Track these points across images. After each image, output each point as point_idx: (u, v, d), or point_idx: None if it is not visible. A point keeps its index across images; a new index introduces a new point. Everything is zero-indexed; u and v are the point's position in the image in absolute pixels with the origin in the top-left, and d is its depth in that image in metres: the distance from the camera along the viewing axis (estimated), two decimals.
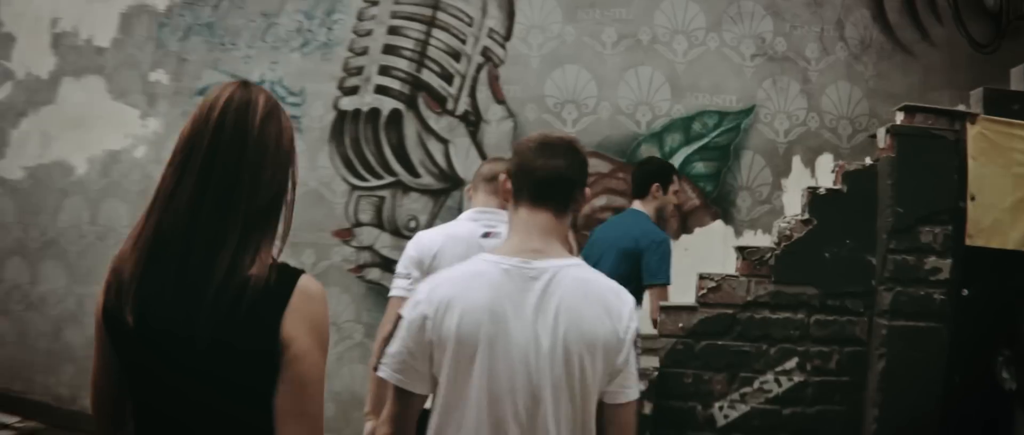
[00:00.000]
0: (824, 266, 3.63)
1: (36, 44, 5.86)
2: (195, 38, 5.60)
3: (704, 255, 5.13)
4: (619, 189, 5.32)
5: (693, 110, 5.30)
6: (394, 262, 5.47)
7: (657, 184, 4.01)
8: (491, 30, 5.44)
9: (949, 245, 3.57)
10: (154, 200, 1.44)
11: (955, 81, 5.02)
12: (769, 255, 3.63)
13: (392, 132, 5.45)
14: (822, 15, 5.26)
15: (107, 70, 5.70)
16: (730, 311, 3.63)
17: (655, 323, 3.72)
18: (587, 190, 1.96)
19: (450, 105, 5.46)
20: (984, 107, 3.70)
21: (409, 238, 5.51)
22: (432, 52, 5.47)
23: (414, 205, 5.44)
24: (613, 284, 1.89)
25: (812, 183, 5.15)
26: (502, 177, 2.06)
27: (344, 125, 5.44)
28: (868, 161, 3.82)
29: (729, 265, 4.42)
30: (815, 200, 3.65)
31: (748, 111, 5.26)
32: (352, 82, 5.49)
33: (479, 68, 5.45)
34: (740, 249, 3.67)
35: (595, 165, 5.32)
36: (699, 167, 5.29)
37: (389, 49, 5.48)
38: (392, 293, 2.99)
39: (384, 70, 5.48)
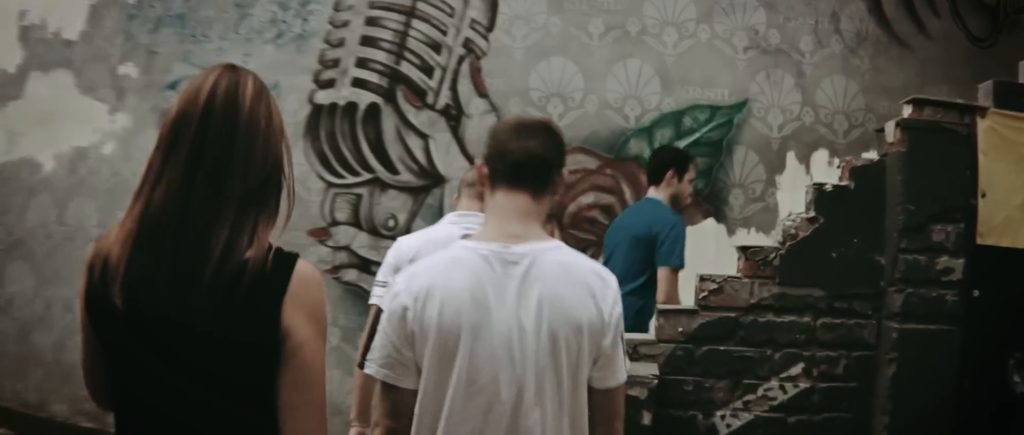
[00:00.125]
0: (831, 266, 3.45)
1: (3, 37, 5.56)
2: (166, 30, 5.32)
3: (696, 255, 4.89)
4: (607, 186, 5.12)
5: (684, 104, 5.12)
6: (372, 263, 5.37)
7: (672, 171, 3.93)
8: (473, 21, 5.22)
9: (961, 244, 3.40)
10: (142, 184, 1.41)
11: (953, 75, 4.88)
12: (773, 255, 3.44)
13: (370, 127, 5.21)
14: (817, 7, 5.10)
15: (75, 64, 5.42)
16: (732, 314, 3.44)
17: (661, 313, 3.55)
18: (565, 171, 1.90)
19: (430, 99, 5.22)
20: (994, 101, 3.54)
21: (387, 237, 5.50)
22: (412, 44, 5.23)
23: (393, 203, 5.20)
24: (596, 266, 1.85)
25: (806, 180, 4.97)
26: (478, 162, 1.93)
27: (320, 120, 5.19)
28: (873, 156, 3.65)
29: (722, 265, 4.26)
30: (821, 197, 3.47)
31: (741, 105, 5.08)
32: (328, 75, 5.24)
33: (461, 60, 5.22)
34: (743, 249, 3.47)
35: (582, 161, 5.12)
36: None
37: (367, 40, 5.24)
38: (371, 301, 2.93)
39: (361, 62, 5.24)
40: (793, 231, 3.45)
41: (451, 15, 5.21)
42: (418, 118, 5.21)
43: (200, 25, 5.33)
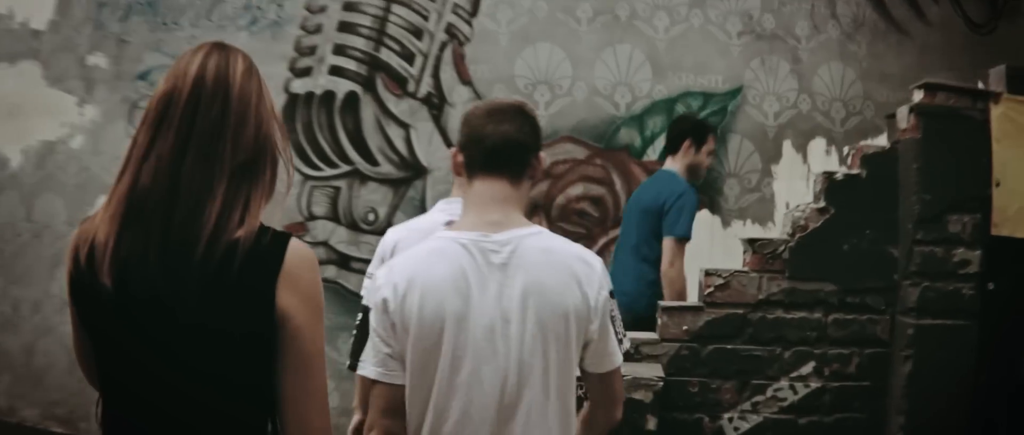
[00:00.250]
0: (842, 259, 3.27)
1: None
2: (136, 18, 5.03)
3: (690, 248, 4.74)
4: (597, 176, 4.92)
5: (676, 91, 4.92)
6: (351, 259, 5.13)
7: (690, 141, 3.84)
8: (456, 5, 4.98)
9: (978, 235, 3.23)
10: (127, 161, 1.38)
11: (952, 62, 4.71)
12: (782, 248, 3.25)
13: (348, 117, 4.96)
14: None
15: (43, 54, 5.11)
16: (740, 311, 3.25)
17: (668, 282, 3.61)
18: (543, 154, 1.87)
19: (411, 87, 4.98)
20: (1007, 86, 3.38)
21: (367, 232, 5.26)
22: (391, 29, 4.98)
23: (373, 196, 4.95)
24: (579, 250, 1.82)
25: (803, 170, 4.84)
26: (452, 150, 1.92)
27: (296, 109, 4.93)
28: (877, 143, 3.47)
29: (716, 258, 4.11)
30: (832, 186, 3.29)
31: (735, 92, 4.90)
32: (304, 63, 4.97)
33: (443, 46, 4.98)
34: (750, 241, 3.28)
35: (570, 151, 4.92)
36: None
37: (345, 26, 4.97)
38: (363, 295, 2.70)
39: (339, 49, 4.97)
40: (802, 222, 3.27)
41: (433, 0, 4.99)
42: (399, 107, 4.97)
43: (171, 12, 5.04)
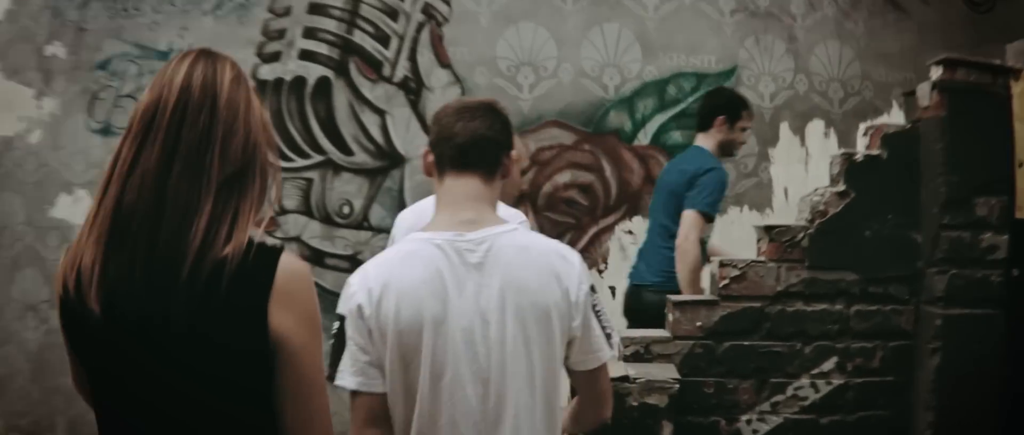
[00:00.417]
0: (864, 246, 3.06)
1: None
2: (95, 5, 4.64)
3: None
4: (585, 163, 4.67)
5: (667, 72, 4.68)
6: (326, 255, 4.80)
7: (723, 117, 3.64)
8: None
9: (1005, 218, 3.04)
10: (110, 176, 1.32)
11: (951, 41, 4.52)
12: (802, 235, 3.03)
13: (320, 103, 4.64)
14: None
15: None
16: (757, 304, 3.02)
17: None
18: (514, 153, 1.85)
19: (387, 71, 4.68)
20: None
21: (342, 226, 4.96)
22: (365, 10, 4.66)
23: (347, 187, 4.65)
24: (557, 245, 1.80)
25: (801, 153, 4.64)
26: (423, 149, 1.86)
27: (264, 97, 4.55)
28: (890, 121, 3.26)
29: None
30: (852, 168, 3.07)
31: (729, 73, 4.67)
32: (272, 47, 4.64)
33: (420, 28, 4.68)
34: (767, 229, 3.06)
35: (557, 136, 4.66)
36: (676, 136, 4.67)
37: (315, 8, 4.64)
38: None
39: (309, 32, 4.65)
40: (822, 207, 3.05)
41: None
42: (374, 92, 4.66)
43: None
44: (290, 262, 1.33)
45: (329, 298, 4.36)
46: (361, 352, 1.66)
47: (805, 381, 3.03)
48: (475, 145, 1.77)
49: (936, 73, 3.12)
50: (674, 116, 4.65)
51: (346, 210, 4.65)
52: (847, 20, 4.70)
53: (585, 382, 1.82)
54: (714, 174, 3.48)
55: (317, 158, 4.62)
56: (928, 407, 2.99)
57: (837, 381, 3.04)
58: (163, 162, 1.30)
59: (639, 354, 2.99)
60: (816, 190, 3.10)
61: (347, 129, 4.66)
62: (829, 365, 3.04)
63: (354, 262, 4.51)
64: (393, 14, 4.67)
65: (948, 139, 3.01)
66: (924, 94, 3.10)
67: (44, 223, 4.51)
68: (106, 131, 4.52)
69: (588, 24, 4.67)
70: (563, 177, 4.68)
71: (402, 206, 4.64)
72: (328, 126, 4.65)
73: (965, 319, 2.98)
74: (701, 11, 4.67)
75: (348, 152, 4.65)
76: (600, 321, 1.77)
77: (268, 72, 4.60)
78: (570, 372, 1.80)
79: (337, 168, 4.64)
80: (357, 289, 1.68)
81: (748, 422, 3.01)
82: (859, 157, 3.07)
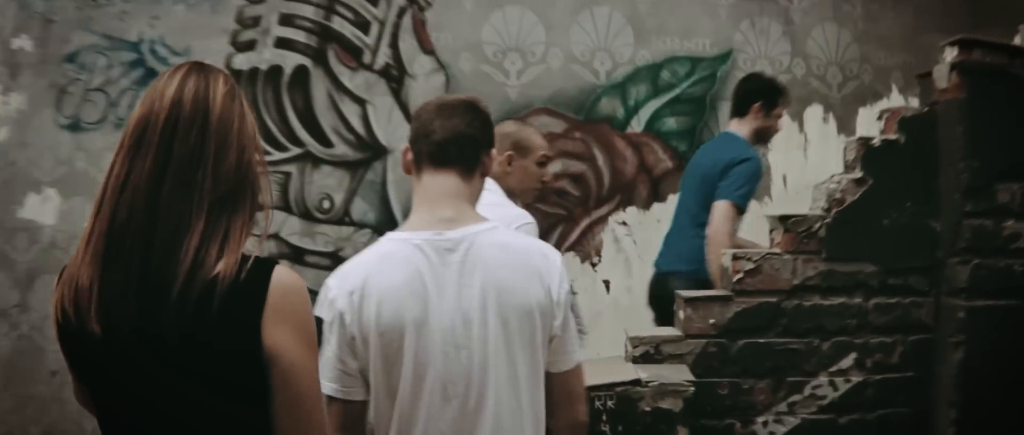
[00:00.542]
0: (883, 236, 2.91)
1: None
2: None
3: None
4: (576, 151, 4.49)
5: (660, 56, 4.51)
6: (306, 252, 4.57)
7: (760, 104, 3.48)
8: None
9: None
10: (103, 193, 1.31)
11: (949, 24, 4.37)
12: (819, 225, 2.87)
13: (297, 94, 4.41)
14: None
15: None
16: (773, 299, 2.86)
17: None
18: (494, 152, 1.84)
19: (367, 58, 4.46)
20: None
21: (323, 222, 4.73)
22: None
23: (327, 181, 4.43)
24: (537, 244, 1.81)
25: (800, 139, 4.50)
26: (402, 147, 1.85)
27: (239, 88, 4.34)
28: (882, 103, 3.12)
29: None
30: (869, 154, 2.91)
31: (724, 57, 4.51)
32: (247, 36, 4.40)
33: (401, 12, 4.46)
34: (782, 218, 2.89)
35: (546, 124, 4.46)
36: (670, 123, 4.51)
37: None
38: None
39: (286, 19, 4.41)
40: (839, 195, 2.89)
41: None
42: (354, 81, 4.44)
43: None
44: (284, 276, 1.31)
45: (310, 297, 4.17)
46: (339, 360, 1.65)
47: (823, 379, 2.87)
48: (453, 142, 1.75)
49: (951, 54, 2.97)
50: (668, 102, 4.49)
51: (326, 205, 4.44)
52: (844, 2, 4.58)
53: (559, 384, 1.77)
54: (749, 165, 3.32)
55: (295, 151, 4.40)
56: (951, 404, 2.85)
57: (856, 378, 2.89)
58: (154, 178, 1.28)
59: (649, 355, 2.82)
60: (832, 177, 2.94)
61: (326, 120, 4.43)
62: (848, 362, 2.88)
63: (335, 259, 4.30)
64: None
65: (968, 123, 2.86)
66: (941, 76, 2.95)
67: (12, 224, 4.23)
68: (75, 127, 4.27)
69: (578, 7, 4.49)
70: (553, 167, 4.47)
71: (385, 200, 4.45)
72: (306, 117, 4.42)
73: (989, 311, 2.84)
74: None
75: (328, 144, 4.43)
76: (577, 321, 1.78)
77: (243, 61, 4.36)
78: (545, 374, 1.76)
79: (316, 161, 4.42)
80: (338, 294, 1.66)
81: (764, 424, 2.85)
82: (876, 142, 2.92)
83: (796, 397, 2.86)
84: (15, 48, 4.37)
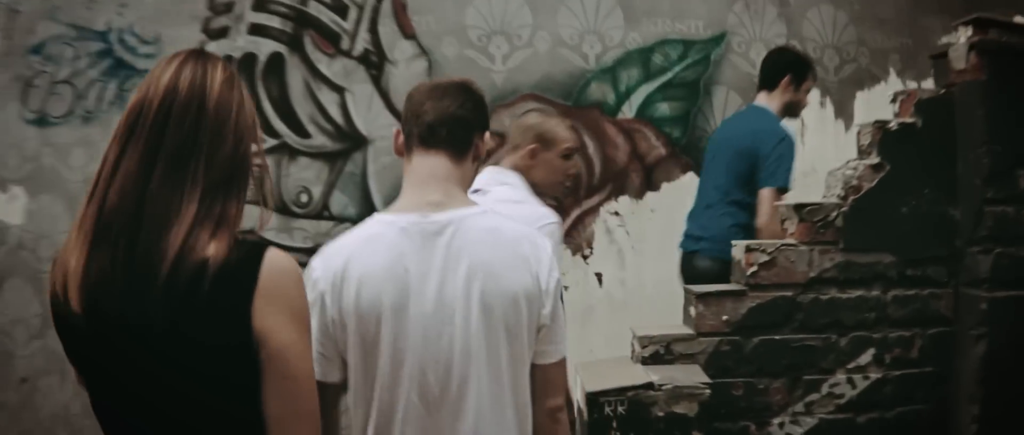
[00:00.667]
0: (901, 224, 2.77)
1: None
2: None
3: (674, 216, 4.20)
4: None
5: (652, 39, 4.33)
6: (284, 249, 4.37)
7: (790, 77, 3.42)
8: None
9: None
10: (96, 179, 1.29)
11: (947, 5, 4.28)
12: (836, 214, 2.71)
13: (272, 82, 4.18)
14: None
15: None
16: (789, 293, 2.71)
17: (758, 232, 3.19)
18: (487, 135, 1.80)
19: (345, 44, 4.25)
20: None
21: (300, 216, 4.52)
22: None
23: (305, 173, 4.21)
24: (526, 230, 1.74)
25: (796, 124, 4.33)
26: (394, 130, 1.81)
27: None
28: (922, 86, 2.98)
29: None
30: (886, 138, 2.77)
31: (718, 39, 4.35)
32: (220, 22, 4.17)
33: None
34: (797, 207, 2.73)
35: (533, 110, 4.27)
36: (663, 108, 4.34)
37: None
38: None
39: (259, 5, 4.19)
40: (855, 182, 2.74)
41: None
42: (331, 68, 4.23)
43: None
44: (276, 259, 1.29)
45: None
46: (318, 342, 1.62)
47: (841, 376, 2.73)
48: (444, 123, 1.72)
49: (965, 34, 2.83)
50: (660, 86, 4.32)
51: (304, 198, 4.23)
52: None
53: (542, 375, 1.71)
54: (787, 143, 3.26)
55: (271, 142, 4.18)
56: (973, 399, 2.72)
57: (875, 375, 2.75)
58: (146, 163, 1.26)
59: (659, 355, 2.65)
60: (847, 163, 2.79)
61: (303, 109, 4.22)
62: (866, 358, 2.74)
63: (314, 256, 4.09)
64: None
65: (990, 105, 2.72)
66: (959, 56, 2.81)
67: None
68: (41, 121, 4.02)
69: None
70: None
71: (366, 192, 4.25)
72: (282, 106, 4.21)
73: (1012, 302, 2.71)
74: None
75: (305, 134, 4.22)
76: (563, 313, 1.73)
77: (215, 49, 4.11)
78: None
79: (293, 152, 4.21)
80: (321, 275, 1.63)
81: (781, 425, 2.70)
82: (893, 125, 2.77)
83: (813, 396, 2.72)
84: None
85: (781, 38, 4.34)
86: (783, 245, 2.70)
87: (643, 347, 2.66)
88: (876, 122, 2.78)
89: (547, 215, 2.31)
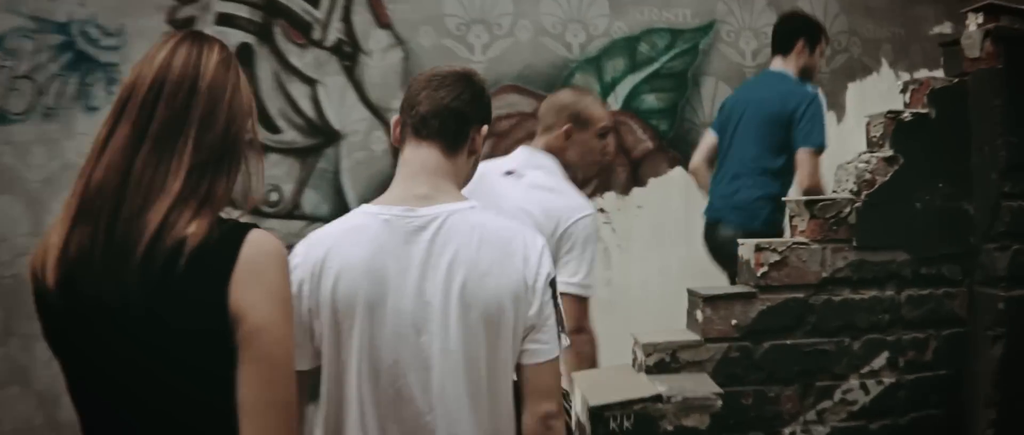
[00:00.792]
0: (916, 221, 2.63)
1: None
2: None
3: (662, 212, 4.10)
4: None
5: (638, 29, 4.20)
6: None
7: (803, 40, 3.44)
8: None
9: None
10: (87, 159, 1.29)
11: None
12: (849, 210, 2.57)
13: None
14: None
15: None
16: (801, 295, 2.55)
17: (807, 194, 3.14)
18: (484, 128, 1.76)
19: (317, 34, 4.04)
20: None
21: (271, 216, 4.30)
22: None
23: (275, 170, 3.99)
24: (516, 227, 1.69)
25: None
26: (393, 119, 1.75)
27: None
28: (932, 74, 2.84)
29: (693, 225, 3.59)
30: (900, 129, 2.62)
31: (706, 29, 4.21)
32: (186, 12, 3.94)
33: None
34: (808, 203, 2.58)
35: (515, 103, 4.12)
36: (650, 100, 4.19)
37: None
38: None
39: None
40: (868, 176, 2.59)
41: None
42: (302, 59, 4.02)
43: None
44: (258, 238, 1.27)
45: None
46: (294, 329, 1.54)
47: (854, 382, 2.58)
48: (437, 115, 1.69)
49: (975, 21, 2.70)
50: (647, 77, 4.18)
51: (274, 197, 4.02)
52: None
53: (531, 376, 1.65)
54: (815, 105, 3.27)
55: None
56: (989, 403, 2.60)
57: (888, 380, 2.61)
58: (133, 141, 1.25)
59: (664, 363, 2.48)
60: (859, 155, 2.64)
61: (273, 103, 4.01)
62: (880, 362, 2.60)
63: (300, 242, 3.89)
64: None
65: (1007, 95, 2.59)
66: (973, 44, 2.67)
67: None
68: (0, 118, 3.73)
69: None
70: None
71: (339, 190, 4.04)
72: None
73: None
74: None
75: (275, 129, 4.01)
76: (557, 313, 1.66)
77: None
78: (516, 366, 1.66)
79: (262, 148, 3.98)
80: (301, 262, 1.61)
81: None
82: (907, 117, 2.63)
83: (826, 403, 2.57)
84: None
85: (771, 28, 4.18)
86: (794, 243, 2.55)
87: (647, 355, 2.49)
88: (888, 113, 2.64)
89: (582, 207, 2.28)
